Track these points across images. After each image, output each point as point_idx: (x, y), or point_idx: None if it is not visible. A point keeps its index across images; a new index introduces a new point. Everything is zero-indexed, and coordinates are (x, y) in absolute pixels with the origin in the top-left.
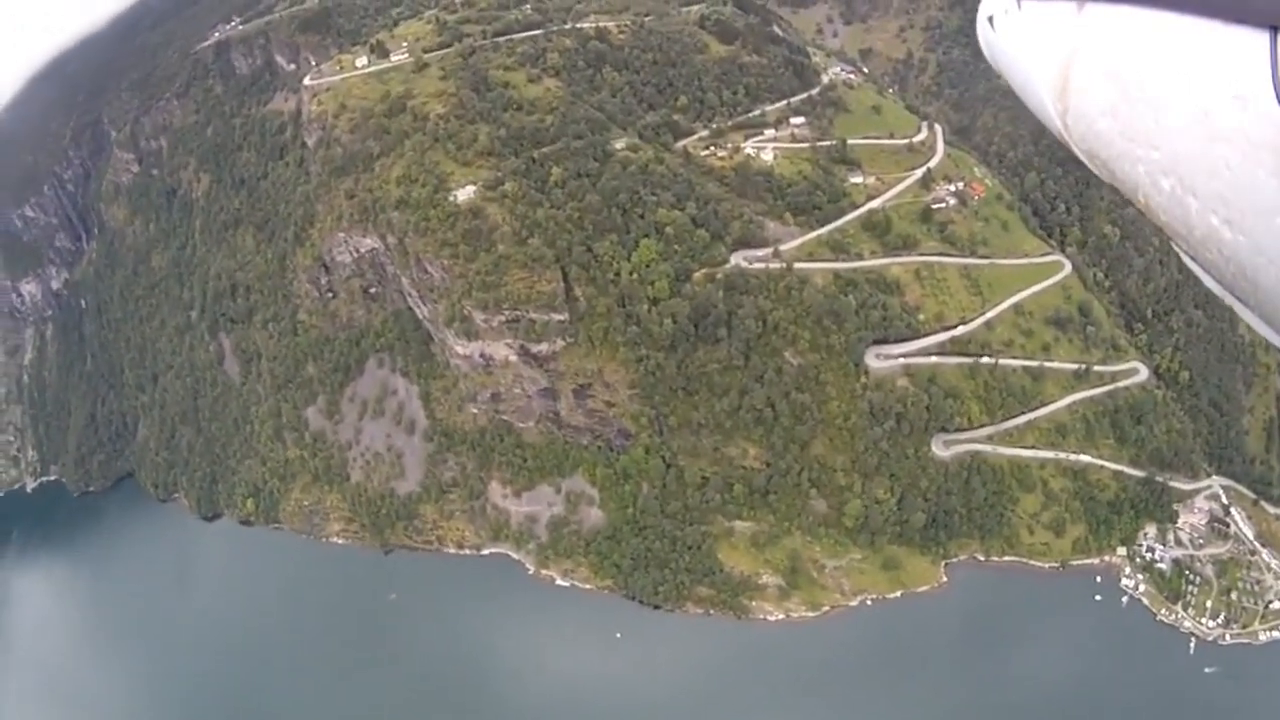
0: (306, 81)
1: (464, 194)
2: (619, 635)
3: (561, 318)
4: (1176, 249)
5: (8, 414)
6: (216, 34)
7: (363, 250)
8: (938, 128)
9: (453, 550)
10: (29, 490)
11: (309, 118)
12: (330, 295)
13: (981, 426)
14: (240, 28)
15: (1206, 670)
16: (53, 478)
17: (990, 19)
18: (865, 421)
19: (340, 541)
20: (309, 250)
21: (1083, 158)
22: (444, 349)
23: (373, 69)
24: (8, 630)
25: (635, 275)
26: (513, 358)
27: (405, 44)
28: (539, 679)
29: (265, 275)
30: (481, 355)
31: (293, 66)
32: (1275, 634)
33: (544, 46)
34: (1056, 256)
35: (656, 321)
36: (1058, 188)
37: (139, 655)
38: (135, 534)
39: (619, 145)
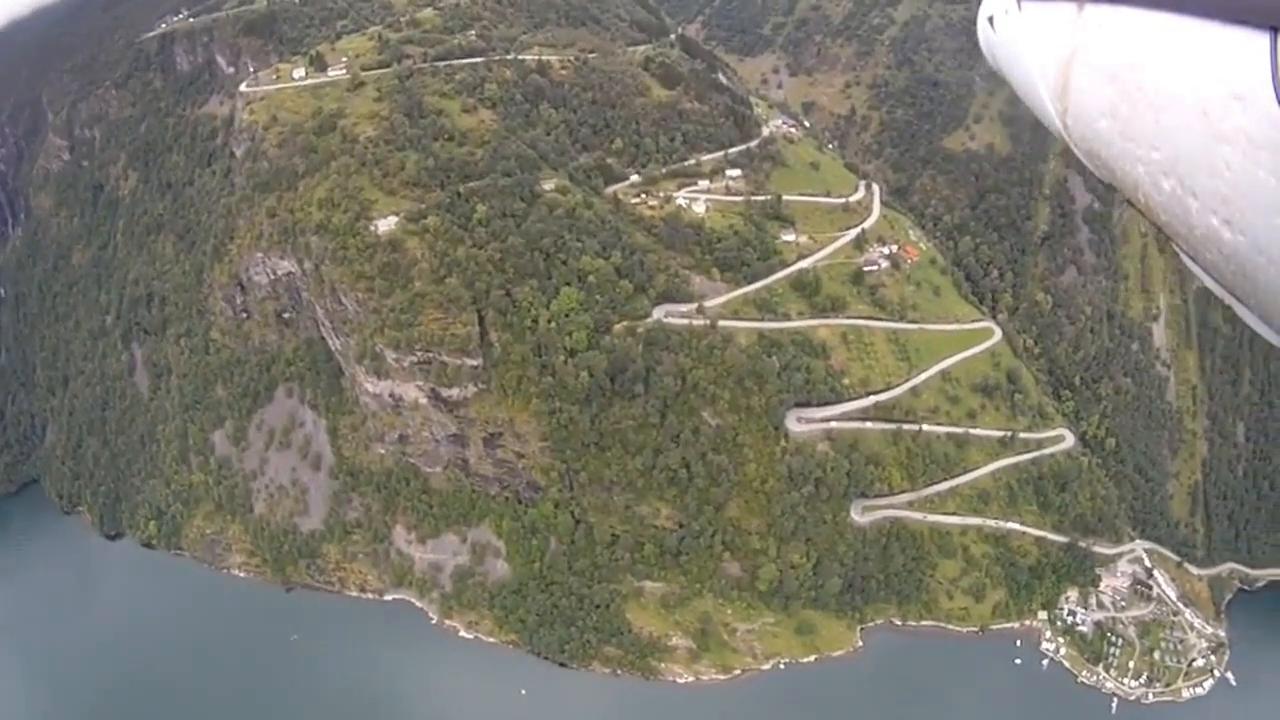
0: (242, 88)
1: (385, 224)
2: (523, 692)
3: (475, 363)
4: (1176, 249)
5: None
6: (163, 25)
7: (279, 273)
8: (875, 188)
9: (355, 593)
10: None
11: (240, 126)
12: (244, 315)
13: (903, 493)
14: (188, 21)
15: None
16: None
17: (990, 19)
18: (783, 485)
19: (241, 574)
20: (226, 267)
21: (1082, 158)
22: (354, 384)
23: (309, 82)
24: None
25: (554, 324)
26: (422, 400)
27: (345, 59)
28: None
29: (182, 287)
30: (391, 395)
31: (232, 70)
32: (1199, 690)
33: (483, 76)
34: (987, 323)
35: (573, 373)
36: (992, 253)
37: (23, 676)
38: (34, 546)
39: (548, 186)
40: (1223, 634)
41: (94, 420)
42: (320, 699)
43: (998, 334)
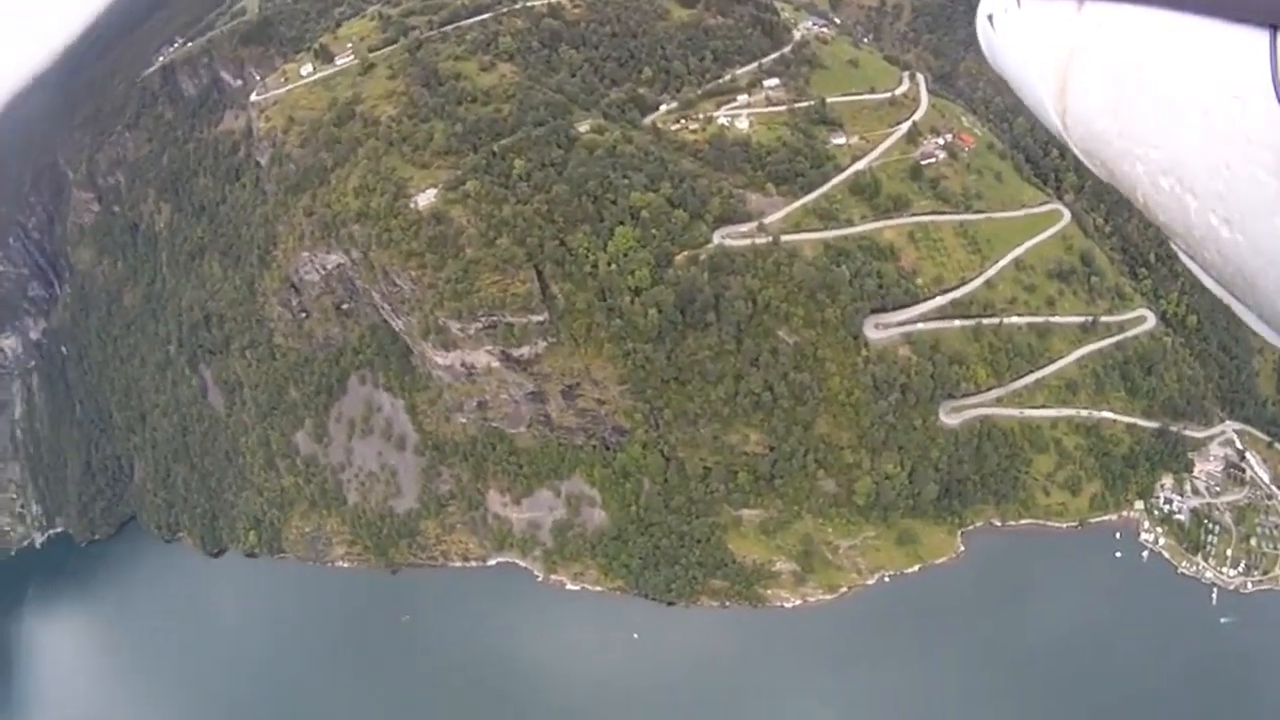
0: (253, 98)
1: (424, 199)
2: (636, 635)
3: (540, 318)
4: (1175, 248)
5: (7, 471)
6: (161, 58)
7: (329, 267)
8: (920, 78)
9: (459, 564)
10: (38, 545)
11: (259, 136)
12: (304, 315)
13: (989, 389)
14: (185, 47)
15: (1223, 620)
16: (59, 530)
17: (990, 18)
18: (869, 396)
19: (346, 565)
20: (275, 272)
21: (1082, 157)
22: (424, 360)
23: (318, 76)
24: (36, 685)
25: (613, 266)
26: (495, 364)
27: (350, 45)
28: (561, 686)
29: (236, 302)
30: (463, 364)
31: (239, 82)
32: None
33: (495, 31)
34: (1055, 205)
35: (640, 313)
36: (1049, 133)
37: (164, 698)
38: (144, 577)
39: (583, 128)
40: None
41: (177, 448)
42: (439, 672)
43: (1067, 216)
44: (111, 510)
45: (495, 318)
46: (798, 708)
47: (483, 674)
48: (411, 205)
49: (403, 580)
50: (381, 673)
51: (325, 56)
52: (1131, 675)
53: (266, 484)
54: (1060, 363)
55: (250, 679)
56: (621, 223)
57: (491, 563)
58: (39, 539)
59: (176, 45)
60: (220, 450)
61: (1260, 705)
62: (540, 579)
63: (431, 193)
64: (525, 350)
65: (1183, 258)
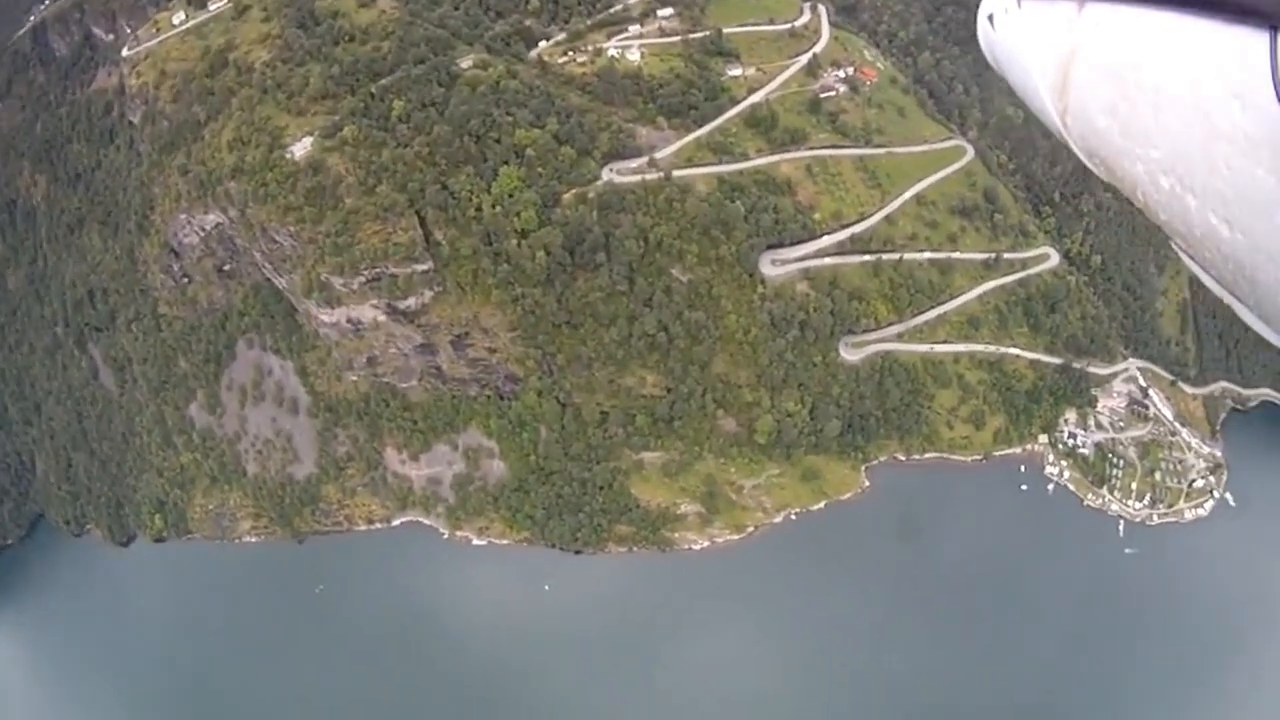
0: (124, 52)
1: (300, 148)
2: (547, 587)
3: (425, 267)
4: (1174, 247)
5: None
6: (32, 18)
7: (208, 227)
8: (821, 9)
9: (364, 527)
10: None
11: (131, 93)
12: (186, 281)
13: (890, 325)
14: (56, 3)
15: (1127, 551)
16: None
17: (990, 17)
18: (767, 333)
19: (254, 539)
20: (154, 238)
21: (1082, 156)
22: (310, 319)
23: (191, 24)
24: None
25: (498, 208)
26: (381, 318)
27: None
28: (479, 642)
29: (118, 273)
30: (348, 320)
31: (111, 36)
32: (1200, 512)
33: None
34: (958, 141)
35: (528, 255)
36: (954, 68)
37: (92, 697)
38: (59, 577)
39: (465, 64)
40: (1219, 454)
41: (75, 435)
42: (357, 639)
43: (970, 152)
44: (20, 511)
45: (378, 270)
46: (713, 647)
47: (401, 637)
48: (287, 156)
49: (310, 549)
50: (300, 645)
51: (197, 2)
52: (1040, 604)
53: (165, 463)
54: (962, 298)
55: (172, 666)
56: (506, 162)
57: (396, 523)
58: None
59: (48, 2)
60: (117, 433)
61: (1164, 630)
62: (446, 536)
63: (308, 141)
64: (411, 301)
65: (1183, 257)
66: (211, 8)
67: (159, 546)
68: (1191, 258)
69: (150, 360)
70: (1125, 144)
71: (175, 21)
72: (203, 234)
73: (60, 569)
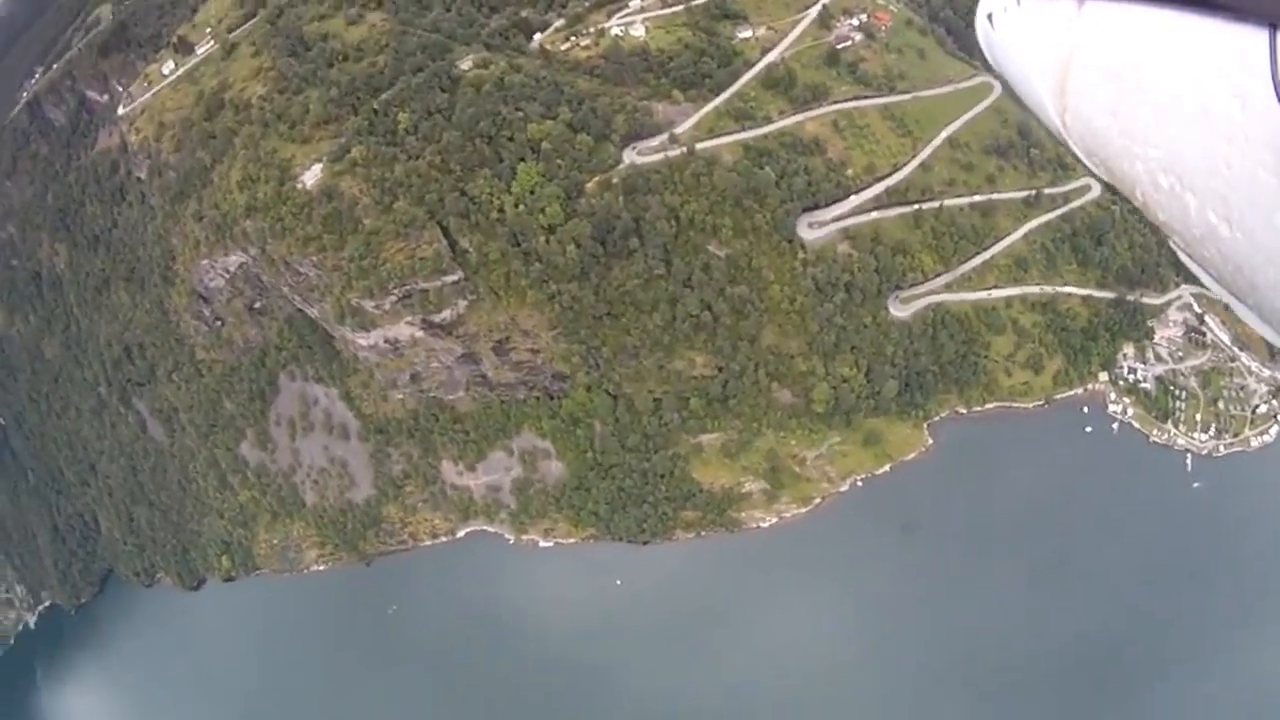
0: (121, 110)
1: (310, 177)
2: (619, 582)
3: (455, 278)
4: (1174, 247)
5: None
6: (24, 94)
7: (232, 268)
8: None
9: (429, 542)
10: (33, 626)
11: (133, 149)
12: (219, 324)
13: (937, 276)
14: (46, 75)
15: (1195, 486)
16: (47, 603)
17: (990, 17)
18: (813, 299)
19: (321, 568)
20: (180, 287)
21: (1081, 155)
22: (347, 344)
23: (181, 71)
24: None
25: (521, 207)
26: (418, 334)
27: (209, 30)
28: (556, 644)
29: (151, 327)
30: (386, 341)
31: (106, 97)
32: (1266, 439)
33: None
34: (983, 77)
35: (559, 251)
36: (968, 2)
37: None
38: (136, 628)
39: (465, 65)
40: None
41: (132, 489)
42: (435, 655)
43: (997, 87)
44: (89, 569)
45: (408, 287)
46: (788, 624)
47: (477, 648)
48: (299, 186)
49: (379, 570)
50: (378, 667)
51: (185, 49)
52: (1111, 547)
53: (225, 505)
54: (1007, 240)
55: (253, 701)
56: (522, 159)
57: (461, 534)
58: (31, 619)
59: (37, 76)
60: (173, 482)
61: (1235, 563)
62: (512, 541)
63: (317, 168)
64: (446, 314)
65: (1182, 257)
66: (199, 52)
67: (230, 586)
68: (1191, 257)
69: (195, 407)
70: (1125, 143)
71: (165, 71)
72: (227, 276)
73: (136, 620)
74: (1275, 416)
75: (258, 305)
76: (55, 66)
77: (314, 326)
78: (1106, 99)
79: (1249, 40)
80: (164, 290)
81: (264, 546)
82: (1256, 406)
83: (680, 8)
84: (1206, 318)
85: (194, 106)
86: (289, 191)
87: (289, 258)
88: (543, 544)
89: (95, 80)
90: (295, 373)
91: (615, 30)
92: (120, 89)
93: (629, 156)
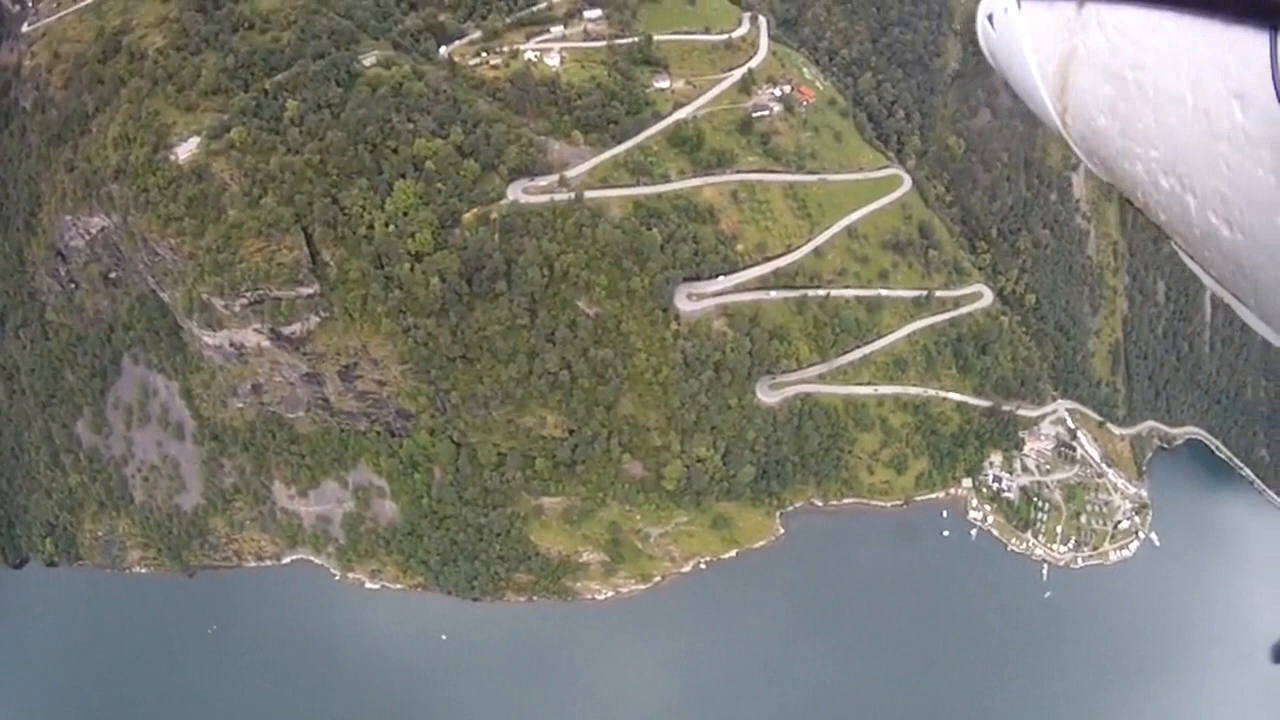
0: (24, 28)
1: (185, 150)
2: (444, 637)
3: (310, 290)
4: (1174, 247)
5: None
6: None
7: (94, 231)
8: (762, 20)
9: (253, 563)
10: None
11: (24, 76)
12: (73, 287)
13: (812, 366)
14: None
15: (1046, 596)
16: None
17: (990, 17)
18: (679, 373)
19: (143, 570)
20: (41, 238)
21: (1082, 156)
22: (194, 338)
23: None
24: None
25: (391, 227)
26: (265, 343)
27: None
28: (376, 690)
29: (7, 273)
30: (231, 344)
31: (17, 7)
32: (1125, 553)
33: None
34: (895, 170)
35: (421, 282)
36: (896, 92)
37: None
38: None
39: (368, 62)
40: (1145, 494)
41: None
42: (249, 681)
43: (907, 182)
44: None
45: (261, 292)
46: (616, 698)
47: (295, 682)
48: (171, 158)
49: (201, 584)
50: (192, 684)
51: None
52: (958, 651)
53: (54, 484)
54: (889, 338)
55: (59, 697)
56: (403, 175)
57: (286, 560)
58: None
59: None
60: (6, 447)
61: (1083, 671)
62: (338, 577)
63: (194, 142)
64: (296, 327)
65: (1183, 257)
66: None
67: (52, 571)
68: (1191, 257)
69: (37, 371)
70: (1125, 144)
71: None
72: (88, 237)
73: None
74: (1137, 533)
75: (113, 275)
76: None
77: (164, 311)
78: (1106, 99)
79: (1249, 40)
80: (25, 237)
81: (88, 537)
82: (1119, 522)
83: (602, 44)
84: (1079, 433)
85: (92, 43)
86: (160, 161)
87: (148, 234)
88: (369, 584)
89: None
90: (139, 357)
91: (529, 55)
92: (31, 3)
93: (514, 192)
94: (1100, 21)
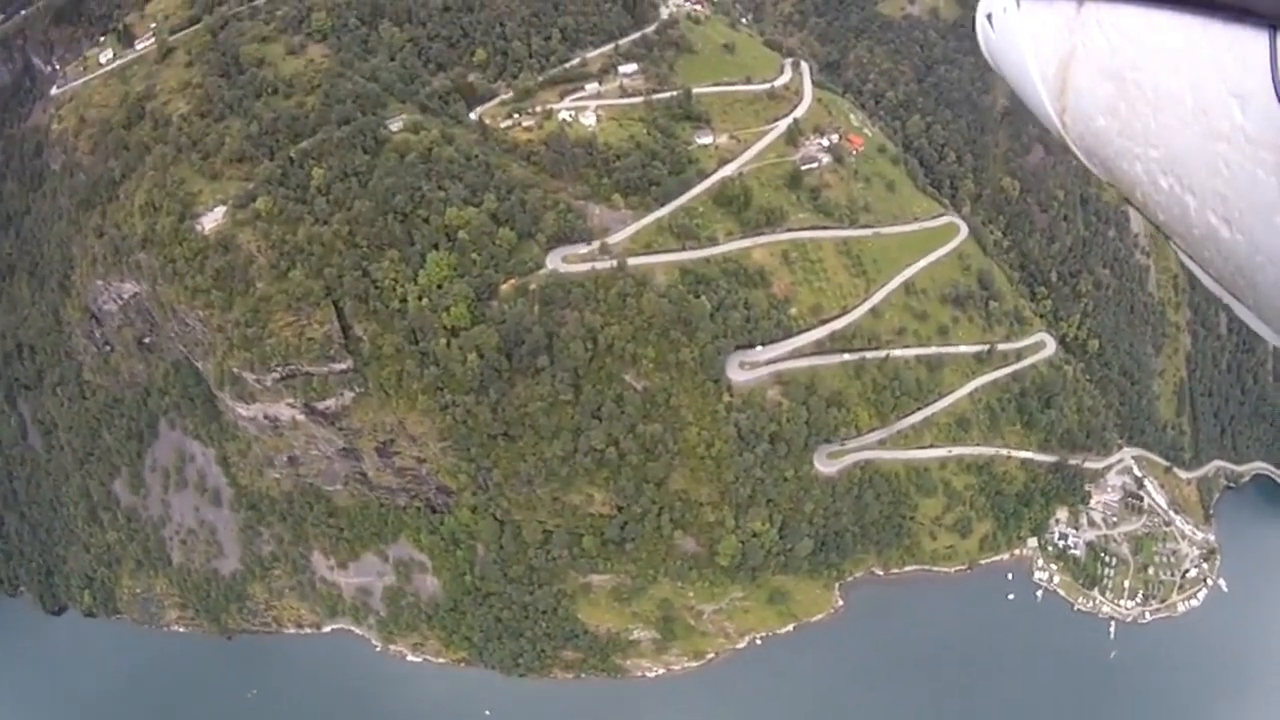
0: (53, 91)
1: (211, 220)
2: (488, 713)
3: (343, 366)
4: (1174, 247)
5: None
6: None
7: (125, 296)
8: (804, 67)
9: (292, 630)
10: None
11: (53, 139)
12: (109, 350)
13: (872, 431)
14: (3, 25)
15: (1112, 655)
16: None
17: (989, 17)
18: (733, 447)
19: (181, 630)
20: (75, 300)
21: (1081, 156)
22: (228, 407)
23: (117, 64)
24: None
25: (425, 300)
26: (300, 417)
27: (154, 25)
28: None
29: (44, 331)
30: (266, 417)
31: (49, 69)
32: (1193, 603)
33: (310, 4)
34: (950, 217)
35: (459, 358)
36: (946, 133)
37: None
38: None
39: (395, 126)
40: (1212, 538)
41: (5, 494)
42: None
43: (964, 230)
44: None
45: (292, 367)
46: None
47: None
48: (197, 228)
49: (240, 647)
50: None
51: (126, 40)
52: (1023, 713)
53: (92, 539)
54: (951, 398)
55: None
56: (435, 246)
57: (326, 629)
58: None
59: None
60: (45, 499)
61: None
62: (379, 649)
63: (219, 212)
64: (330, 403)
65: (1182, 257)
66: (139, 47)
67: (90, 621)
68: (1191, 257)
69: (75, 429)
70: (1124, 144)
71: (103, 60)
72: (120, 302)
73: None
74: (1205, 580)
75: (147, 340)
76: (12, 20)
77: (199, 379)
78: (1106, 99)
79: (1249, 40)
80: (60, 298)
81: (126, 592)
82: (1187, 571)
83: (640, 100)
84: (1146, 482)
85: (117, 108)
86: (186, 231)
87: (176, 305)
88: (411, 657)
89: (43, 47)
90: (175, 422)
91: (564, 114)
92: (57, 66)
93: (553, 261)
94: (1100, 21)
